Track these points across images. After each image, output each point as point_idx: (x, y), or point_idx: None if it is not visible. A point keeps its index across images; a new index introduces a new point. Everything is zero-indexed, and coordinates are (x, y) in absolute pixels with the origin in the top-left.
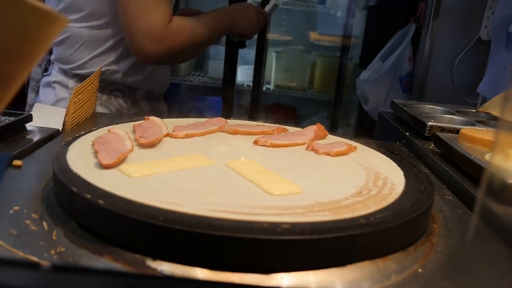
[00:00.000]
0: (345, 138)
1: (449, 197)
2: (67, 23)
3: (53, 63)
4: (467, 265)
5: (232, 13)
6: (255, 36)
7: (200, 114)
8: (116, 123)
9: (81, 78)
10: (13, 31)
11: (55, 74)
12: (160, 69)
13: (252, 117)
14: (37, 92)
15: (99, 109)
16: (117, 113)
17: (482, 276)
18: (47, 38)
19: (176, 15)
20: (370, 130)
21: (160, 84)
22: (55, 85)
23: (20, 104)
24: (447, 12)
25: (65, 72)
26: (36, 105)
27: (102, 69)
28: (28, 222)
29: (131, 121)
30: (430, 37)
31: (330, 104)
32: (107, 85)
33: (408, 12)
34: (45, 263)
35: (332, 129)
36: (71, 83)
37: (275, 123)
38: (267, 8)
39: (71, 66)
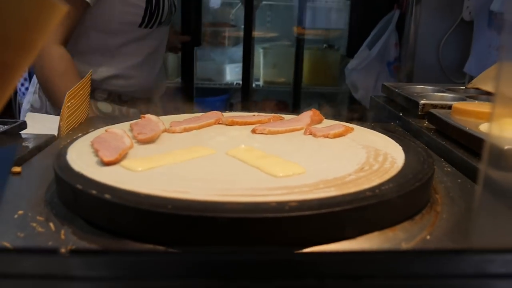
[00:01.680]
0: (341, 120)
1: (448, 169)
2: (66, 10)
3: None
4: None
5: None
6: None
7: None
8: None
9: None
10: (12, 19)
11: None
12: (143, 77)
13: None
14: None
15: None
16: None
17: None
18: (46, 26)
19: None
20: (363, 118)
21: (146, 90)
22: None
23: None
24: None
25: None
26: (28, 114)
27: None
28: (34, 224)
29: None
30: (414, 21)
31: (320, 96)
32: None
33: None
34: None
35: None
36: None
37: None
38: None
39: None
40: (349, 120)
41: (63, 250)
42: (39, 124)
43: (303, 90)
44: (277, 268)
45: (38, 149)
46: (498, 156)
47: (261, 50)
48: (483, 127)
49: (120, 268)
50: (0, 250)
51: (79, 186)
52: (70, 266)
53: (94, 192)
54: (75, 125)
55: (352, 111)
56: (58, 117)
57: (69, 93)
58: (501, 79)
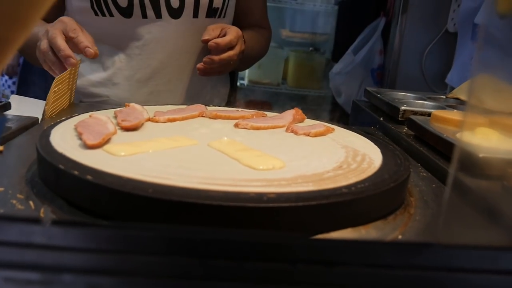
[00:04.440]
0: (322, 121)
1: (424, 174)
2: None
3: None
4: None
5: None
6: None
7: None
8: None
9: None
10: None
11: None
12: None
13: None
14: None
15: None
16: None
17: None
18: (44, 3)
19: None
20: (343, 122)
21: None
22: None
23: None
24: (415, 5)
25: None
26: (12, 96)
27: None
28: (14, 201)
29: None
30: (400, 30)
31: (304, 98)
32: None
33: (378, 6)
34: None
35: None
36: None
37: None
38: None
39: None
40: (330, 122)
41: (45, 220)
42: (23, 107)
43: (287, 92)
44: (252, 250)
45: (21, 130)
46: (473, 163)
47: None
48: (460, 135)
49: (99, 241)
50: None
51: (61, 166)
52: (51, 235)
53: (76, 172)
54: (60, 110)
55: (334, 115)
56: (42, 101)
57: (57, 78)
58: (473, 91)
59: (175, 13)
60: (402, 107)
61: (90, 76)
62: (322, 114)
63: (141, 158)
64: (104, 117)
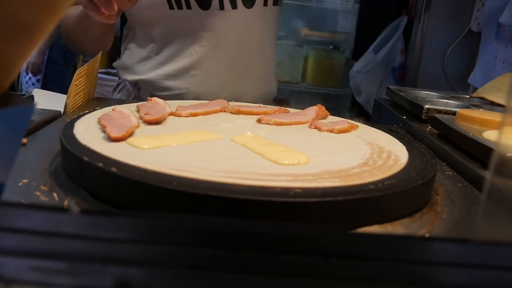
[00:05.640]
0: (345, 118)
1: (449, 173)
2: None
3: None
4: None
5: None
6: None
7: None
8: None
9: None
10: None
11: None
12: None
13: None
14: None
15: None
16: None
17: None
18: None
19: None
20: (365, 120)
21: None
22: None
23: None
24: (438, 4)
25: None
26: (35, 90)
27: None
28: (38, 193)
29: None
30: (422, 29)
31: (323, 97)
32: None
33: (400, 5)
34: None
35: None
36: None
37: None
38: None
39: None
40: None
41: (73, 209)
42: (45, 101)
43: (306, 90)
44: (282, 243)
45: (44, 123)
46: (501, 163)
47: None
48: (487, 134)
49: (128, 231)
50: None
51: (86, 159)
52: (79, 224)
53: (100, 165)
54: (81, 104)
55: (354, 113)
56: (63, 95)
57: (77, 72)
58: None
59: (249, 3)
60: (426, 106)
61: (163, 69)
62: (342, 112)
63: (165, 151)
64: (127, 111)
